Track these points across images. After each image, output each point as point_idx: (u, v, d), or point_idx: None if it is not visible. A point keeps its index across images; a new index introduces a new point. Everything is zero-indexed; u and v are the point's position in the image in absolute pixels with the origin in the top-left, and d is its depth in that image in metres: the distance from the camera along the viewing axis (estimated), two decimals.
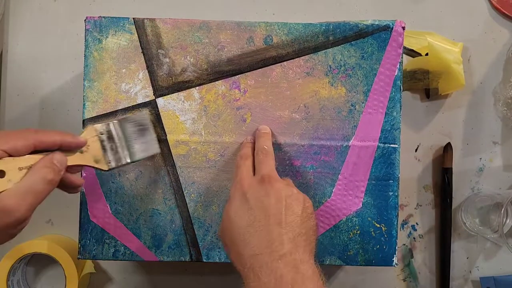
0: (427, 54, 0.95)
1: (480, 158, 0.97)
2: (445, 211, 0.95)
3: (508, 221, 0.93)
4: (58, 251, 0.87)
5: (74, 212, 0.81)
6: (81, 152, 0.68)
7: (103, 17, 0.78)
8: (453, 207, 0.96)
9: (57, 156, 0.64)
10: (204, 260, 0.78)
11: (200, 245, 0.78)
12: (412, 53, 0.95)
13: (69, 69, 0.94)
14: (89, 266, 0.91)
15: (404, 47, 0.94)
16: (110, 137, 0.70)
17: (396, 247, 0.78)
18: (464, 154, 0.97)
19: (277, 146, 0.78)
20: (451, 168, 0.95)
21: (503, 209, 0.85)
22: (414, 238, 0.96)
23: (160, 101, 0.77)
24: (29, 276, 0.95)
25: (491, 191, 0.96)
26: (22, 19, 0.96)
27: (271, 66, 0.78)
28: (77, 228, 0.78)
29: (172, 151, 0.77)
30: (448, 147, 0.95)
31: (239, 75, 0.78)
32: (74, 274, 0.87)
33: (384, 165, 0.78)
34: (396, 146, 0.78)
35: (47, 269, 0.95)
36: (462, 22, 0.98)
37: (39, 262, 0.95)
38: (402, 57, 0.78)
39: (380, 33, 0.77)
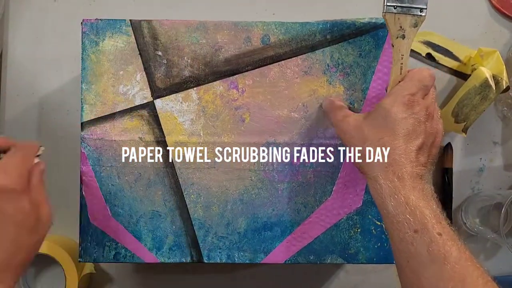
0: (428, 54, 0.95)
1: (480, 158, 0.97)
2: (445, 211, 0.95)
3: (508, 221, 0.93)
4: (58, 251, 0.87)
5: (74, 212, 0.81)
6: None
7: (100, 19, 0.77)
8: (453, 207, 0.96)
9: None
10: (205, 261, 0.78)
11: (200, 246, 0.78)
12: (411, 53, 0.95)
13: (69, 69, 0.94)
14: (89, 267, 0.91)
15: None
16: None
17: None
18: (465, 154, 0.97)
19: (276, 146, 0.78)
20: (451, 168, 0.95)
21: (503, 209, 0.85)
22: None
23: (158, 103, 0.77)
24: (29, 276, 0.95)
25: (491, 191, 0.96)
26: (22, 19, 0.96)
27: (268, 65, 0.78)
28: (77, 229, 0.78)
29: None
30: (448, 147, 0.95)
31: (237, 75, 0.78)
32: (74, 275, 0.87)
33: None
34: None
35: (47, 269, 0.95)
36: (462, 22, 0.98)
37: (39, 262, 0.94)
38: None
39: (377, 31, 0.77)
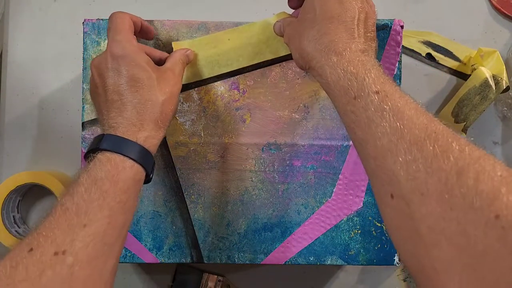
0: (428, 54, 0.95)
1: None
2: None
3: None
4: (53, 182, 0.86)
5: None
6: None
7: (101, 19, 0.77)
8: None
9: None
10: (205, 262, 0.78)
11: (200, 246, 0.78)
12: (412, 53, 0.95)
13: (69, 69, 0.94)
14: None
15: (404, 47, 0.94)
16: None
17: None
18: None
19: (277, 147, 0.78)
20: None
21: None
22: None
23: None
24: (23, 207, 0.95)
25: None
26: (22, 19, 0.96)
27: (270, 66, 0.78)
28: None
29: (171, 153, 0.77)
30: None
31: (238, 76, 0.78)
32: None
33: None
34: None
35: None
36: (462, 22, 0.98)
37: (35, 193, 0.95)
38: (401, 56, 0.78)
39: (378, 32, 0.77)
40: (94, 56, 0.77)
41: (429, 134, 0.45)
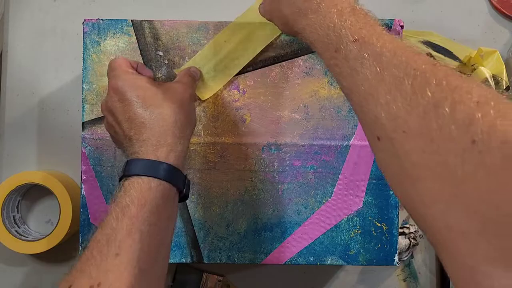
0: (428, 54, 0.95)
1: None
2: None
3: None
4: (53, 182, 0.86)
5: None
6: None
7: (101, 19, 0.77)
8: None
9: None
10: (205, 262, 0.78)
11: (200, 246, 0.78)
12: None
13: (69, 69, 0.94)
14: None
15: None
16: None
17: (397, 246, 0.78)
18: None
19: (277, 147, 0.78)
20: None
21: None
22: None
23: None
24: (23, 206, 0.95)
25: None
26: (22, 19, 0.95)
27: (270, 66, 0.78)
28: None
29: None
30: None
31: (238, 76, 0.77)
32: (69, 206, 0.85)
33: None
34: None
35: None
36: (462, 22, 0.98)
37: (35, 193, 0.95)
38: None
39: None
40: (94, 56, 0.77)
41: (407, 72, 0.45)
